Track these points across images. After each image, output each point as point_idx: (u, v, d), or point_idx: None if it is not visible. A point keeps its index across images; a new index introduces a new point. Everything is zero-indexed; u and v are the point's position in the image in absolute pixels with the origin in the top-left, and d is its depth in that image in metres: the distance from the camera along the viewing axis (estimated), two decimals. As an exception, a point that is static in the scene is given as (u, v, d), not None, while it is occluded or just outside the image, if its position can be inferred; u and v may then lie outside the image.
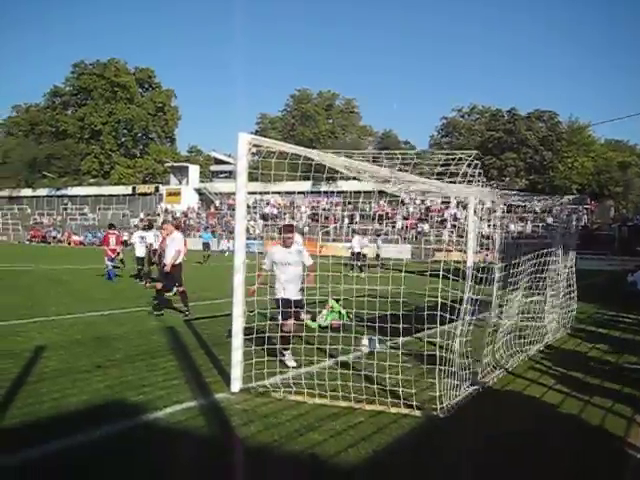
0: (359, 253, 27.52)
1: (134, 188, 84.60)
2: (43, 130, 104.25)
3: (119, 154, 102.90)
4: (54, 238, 71.64)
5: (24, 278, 21.32)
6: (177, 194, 76.70)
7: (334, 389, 6.85)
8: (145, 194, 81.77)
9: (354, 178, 9.08)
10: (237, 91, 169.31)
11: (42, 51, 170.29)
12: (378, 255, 32.75)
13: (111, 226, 22.89)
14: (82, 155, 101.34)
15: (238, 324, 7.01)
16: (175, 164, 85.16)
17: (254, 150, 6.97)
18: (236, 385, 7.02)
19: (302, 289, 8.62)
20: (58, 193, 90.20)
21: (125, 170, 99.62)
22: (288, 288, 8.34)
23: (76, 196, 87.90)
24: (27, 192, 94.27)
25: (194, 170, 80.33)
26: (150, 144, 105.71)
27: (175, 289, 13.51)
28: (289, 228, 8.78)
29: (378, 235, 38.93)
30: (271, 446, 5.36)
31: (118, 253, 22.05)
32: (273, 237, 31.96)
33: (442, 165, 7.37)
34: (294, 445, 5.39)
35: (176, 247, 13.37)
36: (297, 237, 16.88)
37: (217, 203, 72.73)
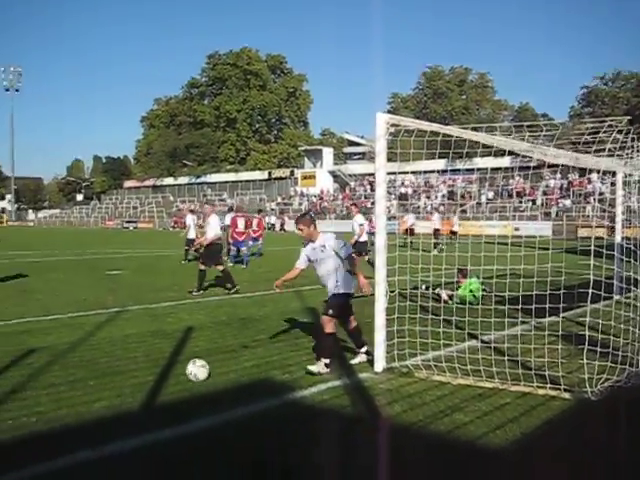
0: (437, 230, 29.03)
1: (270, 173, 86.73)
2: (182, 121, 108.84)
3: (254, 140, 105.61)
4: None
5: (169, 262, 22.40)
6: (312, 177, 77.70)
7: (477, 370, 6.74)
8: (280, 178, 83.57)
9: (492, 154, 8.80)
10: (369, 72, 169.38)
11: (179, 45, 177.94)
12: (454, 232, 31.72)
13: (231, 209, 23.49)
14: (219, 143, 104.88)
15: (380, 304, 7.04)
16: (309, 147, 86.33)
17: (392, 130, 6.93)
18: (379, 365, 7.06)
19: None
20: (198, 181, 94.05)
21: (260, 156, 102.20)
22: (328, 285, 7.50)
23: (215, 183, 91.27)
24: (169, 181, 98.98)
25: (328, 153, 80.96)
26: (284, 129, 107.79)
27: (210, 266, 14.11)
28: (299, 220, 7.73)
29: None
30: (416, 426, 5.34)
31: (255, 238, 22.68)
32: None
33: (589, 134, 6.99)
34: (439, 425, 5.35)
35: (212, 228, 14.22)
36: (358, 217, 16.79)
37: (352, 185, 72.98)
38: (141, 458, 4.71)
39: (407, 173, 56.11)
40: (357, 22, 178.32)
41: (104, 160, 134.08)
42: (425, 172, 61.37)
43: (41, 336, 8.91)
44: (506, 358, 7.21)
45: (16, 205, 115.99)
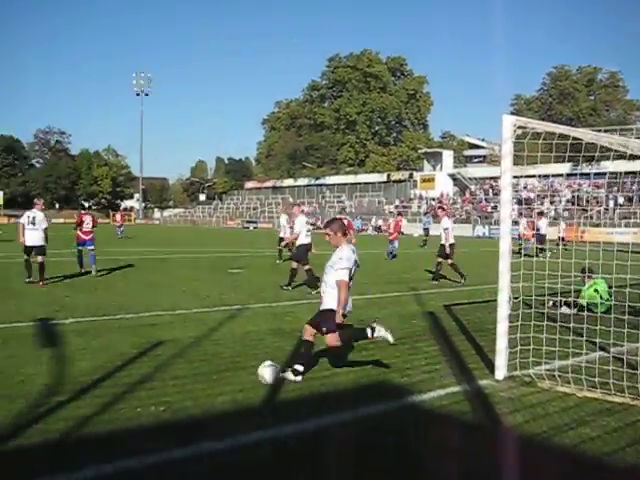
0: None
1: (388, 175, 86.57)
2: (302, 123, 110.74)
3: (373, 143, 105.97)
4: (312, 225, 75.26)
5: (288, 262, 22.71)
6: (431, 180, 76.95)
7: (605, 383, 6.43)
8: (399, 181, 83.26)
9: (624, 157, 8.33)
10: (490, 73, 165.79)
11: (300, 48, 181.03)
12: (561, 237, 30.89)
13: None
14: (338, 145, 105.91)
15: (503, 310, 6.86)
16: (428, 150, 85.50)
17: (519, 132, 6.74)
18: (500, 373, 6.88)
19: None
20: (317, 182, 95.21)
21: (379, 158, 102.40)
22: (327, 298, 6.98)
23: (333, 185, 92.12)
24: (289, 182, 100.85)
25: (447, 155, 79.88)
26: (403, 131, 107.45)
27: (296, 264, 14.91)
28: (328, 224, 7.28)
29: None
30: (540, 437, 5.16)
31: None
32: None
33: None
34: (564, 439, 5.14)
35: (295, 229, 15.68)
36: (444, 221, 16.70)
37: (472, 188, 71.68)
38: (264, 452, 4.81)
39: (533, 177, 54.45)
40: (478, 22, 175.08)
41: (226, 161, 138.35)
42: (552, 176, 59.28)
43: (167, 329, 9.29)
44: (639, 372, 6.85)
45: (143, 204, 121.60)
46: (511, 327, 7.01)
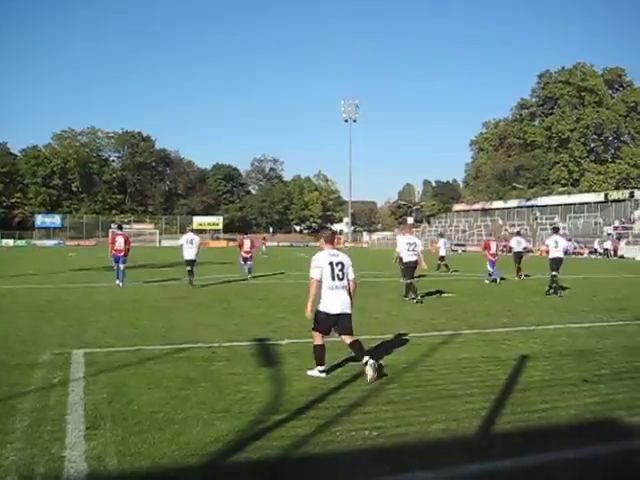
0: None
1: (606, 195, 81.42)
2: (511, 143, 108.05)
3: (588, 160, 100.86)
4: (525, 248, 72.55)
5: (501, 287, 22.14)
6: (655, 199, 71.21)
7: None
8: (618, 200, 77.91)
9: None
10: None
11: (507, 67, 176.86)
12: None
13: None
14: (550, 164, 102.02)
15: None
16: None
17: None
18: None
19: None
20: (528, 204, 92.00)
21: (595, 177, 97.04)
22: None
23: (545, 206, 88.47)
24: (498, 204, 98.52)
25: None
26: (623, 147, 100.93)
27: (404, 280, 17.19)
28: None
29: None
30: None
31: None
32: None
33: None
34: None
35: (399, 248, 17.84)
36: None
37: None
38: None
39: None
40: None
41: (434, 184, 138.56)
42: None
43: (380, 354, 9.26)
44: None
45: (352, 227, 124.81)
46: None
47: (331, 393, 7.01)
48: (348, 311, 8.02)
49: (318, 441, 5.44)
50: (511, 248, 28.50)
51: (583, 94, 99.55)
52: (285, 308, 14.93)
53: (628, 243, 61.83)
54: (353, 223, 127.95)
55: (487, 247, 25.21)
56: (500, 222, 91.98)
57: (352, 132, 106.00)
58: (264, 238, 60.43)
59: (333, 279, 7.89)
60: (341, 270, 7.96)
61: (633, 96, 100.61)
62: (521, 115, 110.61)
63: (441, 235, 30.69)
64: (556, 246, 19.70)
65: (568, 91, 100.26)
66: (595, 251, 62.40)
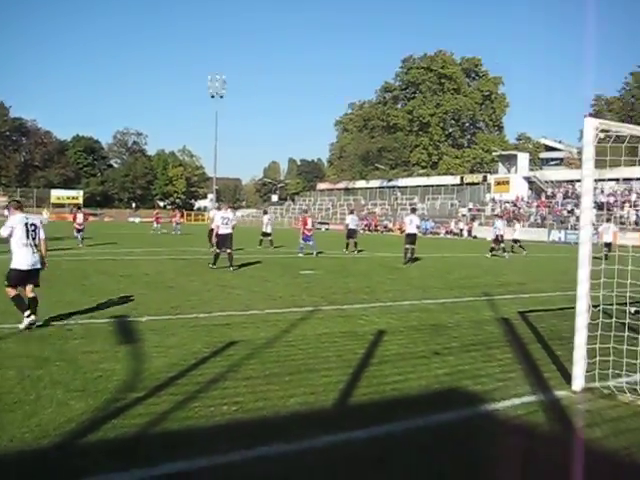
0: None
1: (462, 178, 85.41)
2: (375, 125, 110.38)
3: (447, 145, 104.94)
4: (385, 227, 75.04)
5: (361, 265, 22.76)
6: (505, 183, 75.55)
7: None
8: (473, 184, 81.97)
9: None
10: (568, 74, 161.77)
11: (373, 50, 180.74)
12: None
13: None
14: (411, 147, 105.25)
15: (582, 320, 6.65)
16: (503, 152, 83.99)
17: (602, 135, 6.52)
18: (578, 384, 6.66)
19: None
20: (389, 184, 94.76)
21: (453, 160, 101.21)
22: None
23: (406, 187, 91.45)
24: (361, 184, 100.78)
25: (523, 158, 78.30)
26: (478, 133, 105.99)
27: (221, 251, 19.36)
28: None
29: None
30: (621, 454, 4.97)
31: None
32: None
33: None
34: (647, 455, 4.95)
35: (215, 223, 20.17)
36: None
37: (548, 192, 70.01)
38: (334, 455, 4.81)
39: (614, 180, 52.77)
40: (554, 21, 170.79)
41: (299, 163, 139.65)
42: (636, 179, 57.24)
43: (240, 330, 9.38)
44: None
45: (217, 204, 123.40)
46: (589, 337, 6.79)
47: (190, 369, 6.97)
48: (38, 266, 9.11)
49: (176, 418, 5.41)
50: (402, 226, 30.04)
51: (443, 81, 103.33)
52: (147, 285, 14.65)
53: (481, 224, 65.22)
54: (218, 200, 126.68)
55: (304, 223, 26.75)
56: (362, 201, 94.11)
57: (219, 108, 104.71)
58: (176, 215, 52.02)
59: (27, 238, 9.01)
60: (34, 231, 9.13)
61: (488, 85, 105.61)
62: (385, 98, 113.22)
63: (351, 212, 31.07)
64: (411, 223, 23.83)
65: (429, 77, 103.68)
66: (451, 231, 65.53)
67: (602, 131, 6.54)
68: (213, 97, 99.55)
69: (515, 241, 34.12)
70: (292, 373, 6.94)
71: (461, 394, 6.49)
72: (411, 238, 23.47)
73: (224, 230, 19.24)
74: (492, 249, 29.70)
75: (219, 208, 22.26)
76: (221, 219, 19.42)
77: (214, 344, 8.23)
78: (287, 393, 6.17)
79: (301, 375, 6.88)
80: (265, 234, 31.70)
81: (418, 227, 24.91)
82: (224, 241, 19.25)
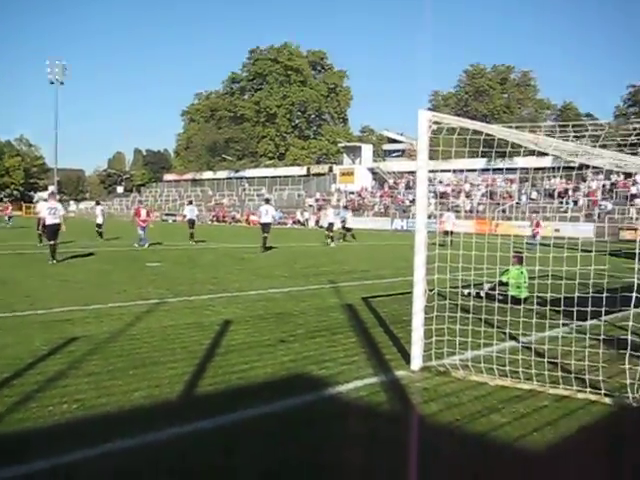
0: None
1: (308, 169, 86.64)
2: (222, 115, 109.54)
3: (293, 136, 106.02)
4: (233, 218, 74.71)
5: (208, 255, 22.62)
6: (350, 174, 77.50)
7: (515, 371, 6.67)
8: (319, 174, 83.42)
9: (534, 153, 8.64)
10: (410, 69, 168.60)
11: (220, 40, 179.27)
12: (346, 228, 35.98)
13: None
14: (258, 138, 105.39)
15: (418, 303, 7.00)
16: (348, 144, 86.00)
17: (434, 127, 6.87)
18: (416, 363, 7.02)
19: None
20: (237, 175, 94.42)
21: (299, 151, 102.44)
22: None
23: (253, 178, 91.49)
24: (208, 175, 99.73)
25: (367, 149, 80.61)
26: (323, 125, 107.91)
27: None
28: None
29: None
30: (452, 426, 5.31)
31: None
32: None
33: (636, 135, 6.86)
34: (477, 426, 5.30)
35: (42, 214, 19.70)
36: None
37: (391, 182, 72.67)
38: (180, 447, 4.77)
39: (448, 171, 55.69)
40: (397, 18, 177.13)
41: (145, 153, 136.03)
42: (466, 171, 60.82)
43: (82, 325, 9.06)
44: (545, 360, 7.13)
45: (58, 196, 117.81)
46: (426, 319, 7.16)
47: (27, 369, 6.64)
48: None
49: (11, 421, 5.14)
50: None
51: (290, 73, 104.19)
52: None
53: (325, 215, 66.50)
54: (59, 192, 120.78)
55: (137, 214, 26.70)
56: (210, 192, 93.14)
57: (61, 96, 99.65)
58: (8, 208, 51.84)
59: None
60: None
61: (333, 78, 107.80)
62: (232, 89, 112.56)
63: (190, 203, 31.71)
64: (266, 213, 25.57)
65: (276, 69, 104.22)
66: (298, 221, 66.40)
67: (435, 123, 6.89)
68: (53, 83, 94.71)
69: (346, 229, 35.39)
70: (136, 367, 6.80)
71: (306, 379, 6.63)
72: (266, 227, 25.20)
73: (51, 220, 18.45)
74: (329, 237, 31.05)
75: (46, 199, 21.65)
76: (48, 210, 18.66)
77: (54, 341, 7.88)
78: (131, 387, 6.04)
79: (146, 369, 6.76)
80: (99, 225, 31.98)
81: (273, 217, 26.85)
82: (50, 232, 18.59)
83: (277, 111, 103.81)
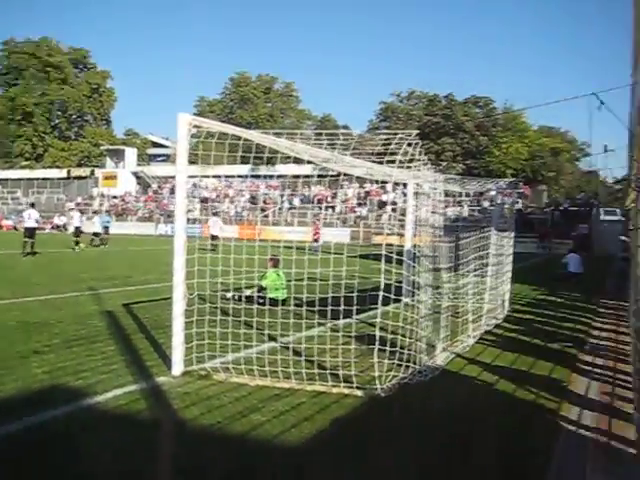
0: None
1: (69, 171, 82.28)
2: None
3: (53, 136, 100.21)
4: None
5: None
6: (113, 178, 75.01)
7: (275, 371, 6.88)
8: (80, 177, 79.62)
9: (294, 161, 9.02)
10: (176, 74, 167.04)
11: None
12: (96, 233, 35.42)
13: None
14: (13, 137, 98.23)
15: (178, 307, 6.96)
16: (111, 147, 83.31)
17: (194, 131, 6.88)
18: (177, 368, 6.97)
19: None
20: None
21: (59, 153, 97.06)
22: None
23: (7, 179, 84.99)
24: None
25: (131, 153, 78.60)
26: (85, 126, 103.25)
27: None
28: None
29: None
30: (214, 428, 5.35)
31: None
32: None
33: (383, 145, 7.40)
34: (237, 427, 5.40)
35: None
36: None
37: (155, 187, 71.47)
38: None
39: (209, 177, 56.14)
40: (165, 22, 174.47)
41: None
42: (227, 177, 61.81)
43: None
44: (303, 359, 7.46)
45: None
46: (187, 322, 7.15)
47: None
48: None
49: None
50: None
51: (49, 69, 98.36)
52: None
53: (88, 218, 63.83)
54: None
55: None
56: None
57: None
58: None
59: None
60: None
61: (96, 78, 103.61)
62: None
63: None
64: (29, 218, 25.39)
65: (34, 64, 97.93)
66: (56, 226, 62.99)
67: (195, 127, 6.90)
68: None
69: (95, 234, 34.65)
70: None
71: (62, 391, 6.32)
72: (30, 232, 24.84)
73: None
74: (76, 242, 30.36)
75: None
76: None
77: None
78: None
79: None
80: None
81: (37, 221, 25.96)
82: None
83: (34, 109, 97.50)
